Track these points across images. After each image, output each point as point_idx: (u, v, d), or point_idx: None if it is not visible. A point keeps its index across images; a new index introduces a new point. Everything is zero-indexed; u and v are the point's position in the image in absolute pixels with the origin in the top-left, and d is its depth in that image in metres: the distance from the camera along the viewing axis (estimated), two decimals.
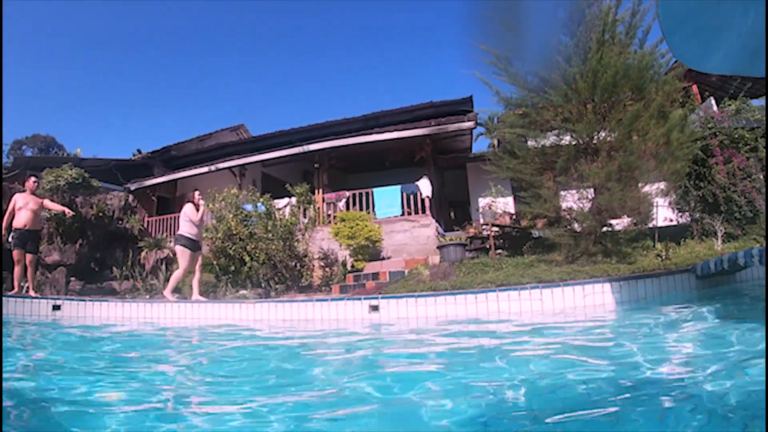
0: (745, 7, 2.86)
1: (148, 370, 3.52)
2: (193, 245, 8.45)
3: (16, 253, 8.07)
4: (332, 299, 6.57)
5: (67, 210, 9.18)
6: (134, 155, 26.87)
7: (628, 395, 2.23)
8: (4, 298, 7.19)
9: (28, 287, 8.37)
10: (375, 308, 5.81)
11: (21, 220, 8.10)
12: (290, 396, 2.57)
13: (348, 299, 6.23)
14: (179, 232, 8.51)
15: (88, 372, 3.25)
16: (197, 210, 8.62)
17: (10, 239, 8.10)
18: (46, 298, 7.66)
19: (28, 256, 8.23)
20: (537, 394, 2.34)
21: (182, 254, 8.37)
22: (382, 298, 5.96)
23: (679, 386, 2.33)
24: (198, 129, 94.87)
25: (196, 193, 8.89)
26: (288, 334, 5.35)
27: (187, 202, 8.77)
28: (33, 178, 8.62)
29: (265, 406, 2.32)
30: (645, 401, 2.13)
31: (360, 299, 6.03)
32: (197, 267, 8.54)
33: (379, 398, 2.44)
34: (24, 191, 8.65)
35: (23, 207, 8.13)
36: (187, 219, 8.50)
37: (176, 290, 8.71)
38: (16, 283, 8.14)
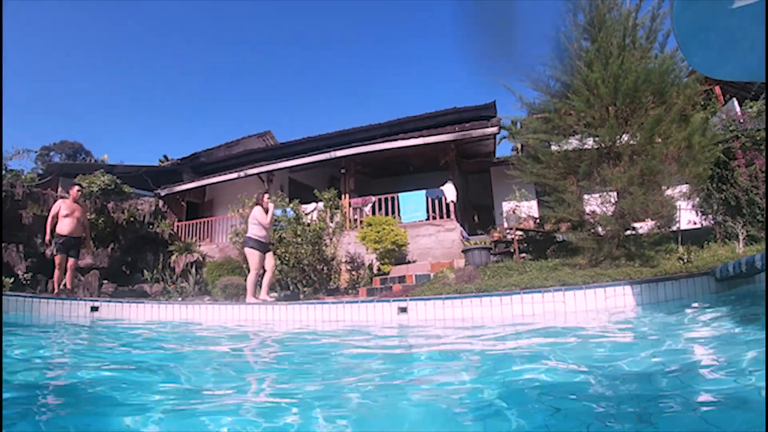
0: (756, 18, 3.07)
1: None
2: (262, 247, 8.46)
3: (59, 258, 8.50)
4: (362, 301, 6.82)
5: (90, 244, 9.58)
6: (161, 161, 27.53)
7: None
8: (44, 300, 7.58)
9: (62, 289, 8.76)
10: (404, 310, 6.05)
11: (65, 227, 8.53)
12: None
13: (377, 301, 6.48)
14: (248, 235, 8.55)
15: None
16: (266, 212, 8.60)
17: (53, 244, 8.56)
18: (85, 300, 8.05)
19: (70, 261, 8.65)
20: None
21: (252, 256, 8.41)
22: (410, 300, 6.21)
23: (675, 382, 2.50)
24: (224, 136, 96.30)
25: (266, 196, 8.88)
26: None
27: (256, 204, 8.86)
28: (77, 187, 9.08)
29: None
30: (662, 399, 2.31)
31: (389, 301, 6.28)
32: (270, 267, 8.56)
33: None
34: (67, 198, 9.12)
35: (69, 215, 8.55)
36: (256, 222, 8.53)
37: (207, 293, 9.04)
38: (56, 286, 8.55)
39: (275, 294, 9.36)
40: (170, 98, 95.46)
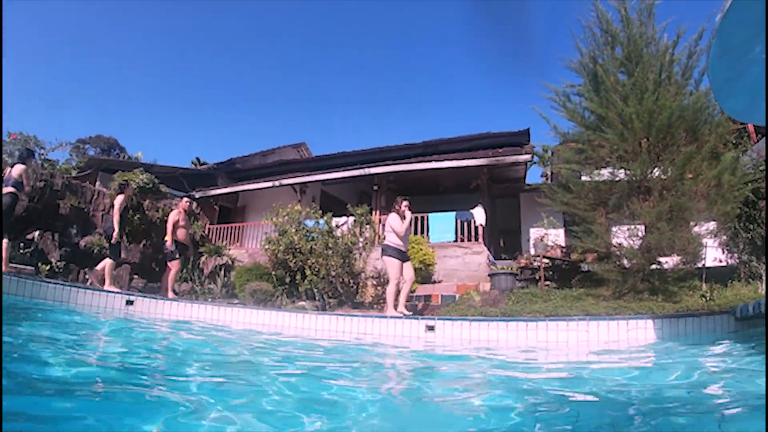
0: None
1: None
2: (400, 255, 8.06)
3: (177, 263, 9.20)
4: (391, 317, 7.07)
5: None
6: (194, 163, 28.14)
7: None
8: (81, 290, 7.90)
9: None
10: (431, 328, 6.29)
11: (181, 235, 9.31)
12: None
13: (406, 318, 6.73)
14: (385, 243, 8.19)
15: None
16: (402, 219, 8.16)
17: (173, 250, 9.22)
18: (121, 293, 8.40)
19: (178, 264, 9.26)
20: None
21: (391, 265, 8.03)
22: (438, 319, 6.45)
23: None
24: (256, 143, 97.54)
25: (404, 203, 8.32)
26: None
27: (392, 211, 8.42)
28: (186, 199, 9.90)
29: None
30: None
31: (417, 318, 6.54)
32: (409, 278, 8.13)
33: None
34: (176, 208, 9.93)
35: (184, 225, 9.30)
36: (390, 229, 8.18)
37: (234, 296, 9.28)
38: (170, 286, 9.19)
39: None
40: (206, 101, 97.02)
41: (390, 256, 7.99)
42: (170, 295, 9.08)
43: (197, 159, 29.55)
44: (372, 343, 6.14)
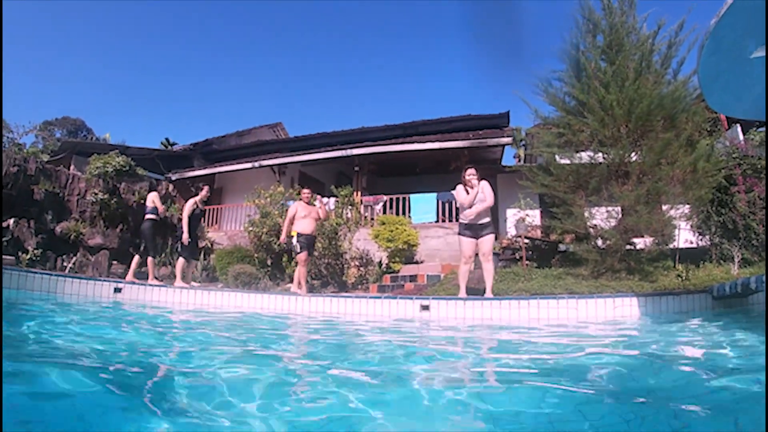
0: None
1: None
2: (471, 231, 7.16)
3: (304, 255, 8.61)
4: (385, 297, 7.27)
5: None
6: (163, 144, 27.72)
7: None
8: (68, 279, 7.75)
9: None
10: (426, 308, 6.51)
11: (305, 227, 8.66)
12: None
13: (400, 298, 6.96)
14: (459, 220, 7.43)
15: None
16: (467, 191, 7.23)
17: (296, 242, 8.61)
18: (109, 281, 8.44)
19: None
20: None
21: (461, 243, 7.28)
22: (432, 299, 6.69)
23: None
24: (229, 122, 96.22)
25: (468, 171, 7.35)
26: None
27: (458, 184, 7.42)
28: (307, 190, 9.20)
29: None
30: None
31: (411, 299, 6.75)
32: (484, 253, 7.14)
33: None
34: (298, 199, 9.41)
35: (307, 215, 8.73)
36: (459, 203, 7.38)
37: (215, 279, 9.27)
38: (302, 282, 8.64)
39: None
40: (173, 79, 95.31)
41: (459, 234, 7.31)
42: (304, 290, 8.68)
43: (167, 140, 29.13)
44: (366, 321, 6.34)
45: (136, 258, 9.18)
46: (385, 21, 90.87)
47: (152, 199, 9.34)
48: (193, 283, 9.07)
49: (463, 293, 7.01)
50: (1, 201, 7.79)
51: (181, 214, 9.54)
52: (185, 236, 8.99)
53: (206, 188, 9.64)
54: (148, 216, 9.25)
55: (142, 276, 9.49)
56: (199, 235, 9.60)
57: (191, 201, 9.29)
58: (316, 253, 10.74)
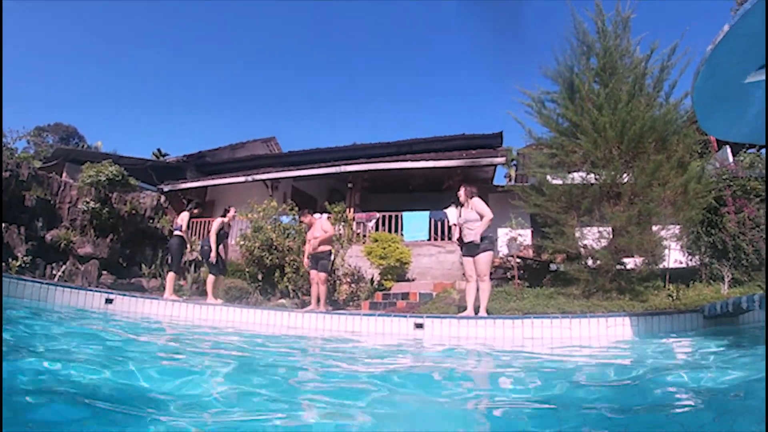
0: (764, 90, 3.68)
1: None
2: (466, 250, 7.18)
3: (313, 274, 9.07)
4: (379, 314, 7.23)
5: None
6: (155, 155, 27.66)
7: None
8: (59, 288, 7.70)
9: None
10: (420, 326, 6.49)
11: (310, 247, 9.17)
12: None
13: (394, 316, 6.95)
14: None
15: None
16: (460, 213, 7.27)
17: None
18: (101, 291, 8.34)
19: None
20: None
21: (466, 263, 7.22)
22: (426, 317, 6.68)
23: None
24: (222, 136, 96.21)
25: (462, 189, 7.47)
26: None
27: (452, 202, 7.32)
28: (234, 210, 9.97)
29: None
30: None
31: (405, 317, 6.73)
32: (476, 274, 7.05)
33: None
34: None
35: (310, 236, 9.25)
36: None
37: (204, 293, 9.28)
38: (322, 301, 8.88)
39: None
40: (167, 91, 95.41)
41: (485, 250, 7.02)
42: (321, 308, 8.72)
43: (158, 150, 29.10)
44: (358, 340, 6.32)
45: (171, 275, 9.29)
46: (381, 37, 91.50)
47: (183, 218, 9.64)
48: (217, 300, 9.11)
49: (470, 311, 6.91)
50: (2, 203, 7.71)
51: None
52: (213, 254, 9.17)
53: (233, 209, 9.94)
54: (176, 233, 9.58)
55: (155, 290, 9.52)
56: (225, 252, 9.74)
57: (219, 220, 9.55)
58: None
